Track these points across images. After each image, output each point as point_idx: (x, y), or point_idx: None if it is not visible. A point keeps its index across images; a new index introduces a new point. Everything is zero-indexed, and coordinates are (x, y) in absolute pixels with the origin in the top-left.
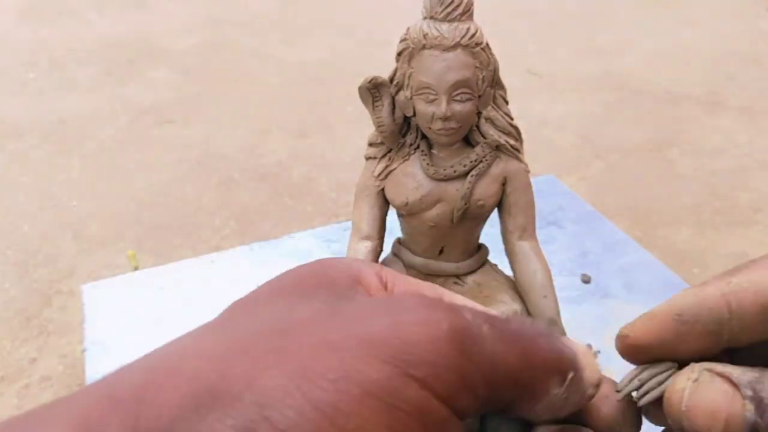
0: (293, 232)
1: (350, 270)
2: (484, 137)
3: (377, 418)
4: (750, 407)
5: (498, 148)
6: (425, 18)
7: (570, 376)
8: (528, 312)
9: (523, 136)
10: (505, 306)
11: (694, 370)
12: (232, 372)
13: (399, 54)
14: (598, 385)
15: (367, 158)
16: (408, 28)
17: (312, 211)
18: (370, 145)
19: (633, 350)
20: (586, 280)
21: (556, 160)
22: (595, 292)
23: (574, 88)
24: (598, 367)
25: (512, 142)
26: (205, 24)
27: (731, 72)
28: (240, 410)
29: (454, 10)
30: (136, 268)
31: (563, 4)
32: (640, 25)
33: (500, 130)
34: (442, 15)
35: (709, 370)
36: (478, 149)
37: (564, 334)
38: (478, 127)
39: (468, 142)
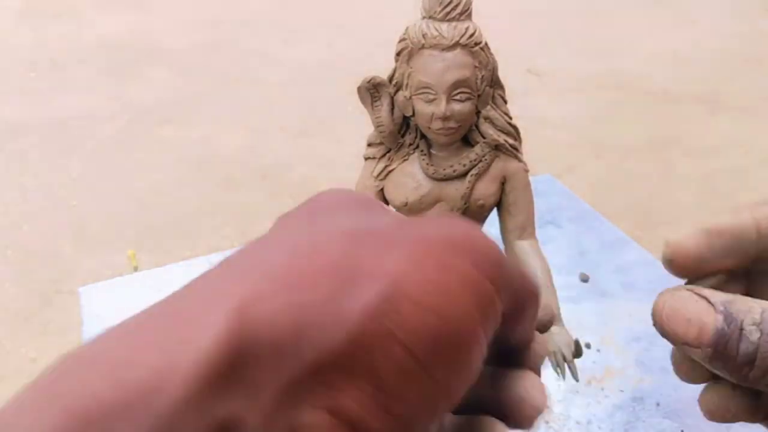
0: None
1: (369, 197)
2: (483, 137)
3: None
4: (720, 319)
5: (497, 147)
6: (424, 18)
7: (542, 301)
8: None
9: (523, 135)
10: None
11: (678, 288)
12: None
13: (398, 54)
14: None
15: (366, 158)
16: (407, 28)
17: None
18: (369, 145)
19: (679, 271)
20: (585, 279)
21: (556, 159)
22: (594, 291)
23: (574, 88)
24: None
25: (511, 141)
26: (205, 24)
27: (731, 72)
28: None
29: (453, 9)
30: (135, 268)
31: (563, 4)
32: (640, 24)
33: (499, 130)
34: (441, 15)
35: (691, 290)
36: (477, 149)
37: (566, 330)
38: (477, 126)
39: (467, 141)
